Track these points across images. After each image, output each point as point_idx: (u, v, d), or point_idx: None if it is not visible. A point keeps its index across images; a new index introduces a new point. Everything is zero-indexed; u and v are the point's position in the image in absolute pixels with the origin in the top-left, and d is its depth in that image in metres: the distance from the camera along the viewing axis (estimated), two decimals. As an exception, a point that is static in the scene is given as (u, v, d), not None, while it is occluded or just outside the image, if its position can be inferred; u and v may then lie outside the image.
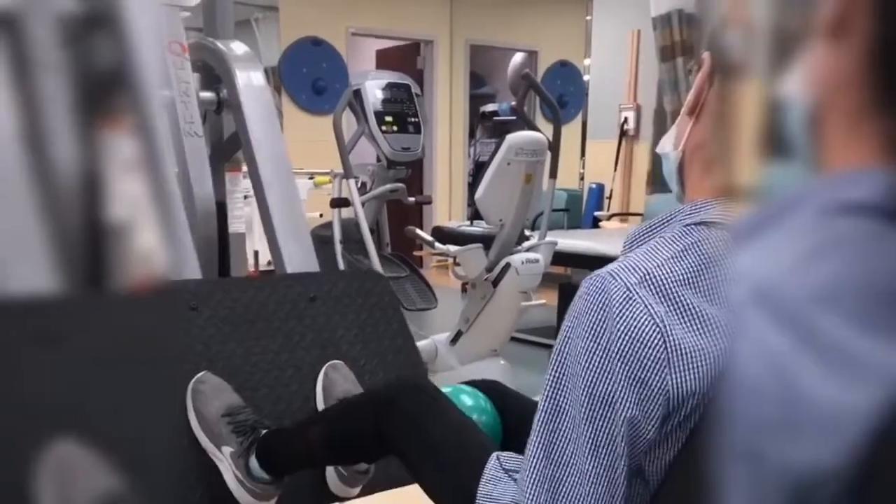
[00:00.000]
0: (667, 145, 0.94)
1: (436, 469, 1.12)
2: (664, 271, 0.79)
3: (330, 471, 1.48)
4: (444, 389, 1.34)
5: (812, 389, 0.36)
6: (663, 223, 0.87)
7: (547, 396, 0.82)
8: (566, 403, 0.80)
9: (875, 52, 0.39)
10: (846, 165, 0.41)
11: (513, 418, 1.33)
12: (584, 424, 0.78)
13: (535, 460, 0.81)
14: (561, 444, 0.80)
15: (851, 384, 0.35)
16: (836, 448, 0.35)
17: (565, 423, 0.80)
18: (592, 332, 0.78)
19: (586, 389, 0.78)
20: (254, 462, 1.36)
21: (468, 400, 1.34)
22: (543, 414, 0.82)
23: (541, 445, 0.81)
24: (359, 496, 1.53)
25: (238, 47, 2.09)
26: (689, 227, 0.83)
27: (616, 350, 0.77)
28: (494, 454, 1.03)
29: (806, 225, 0.40)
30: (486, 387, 1.41)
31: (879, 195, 0.38)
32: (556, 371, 0.81)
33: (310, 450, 1.34)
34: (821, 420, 0.35)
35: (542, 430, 0.81)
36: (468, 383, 1.43)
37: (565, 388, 0.80)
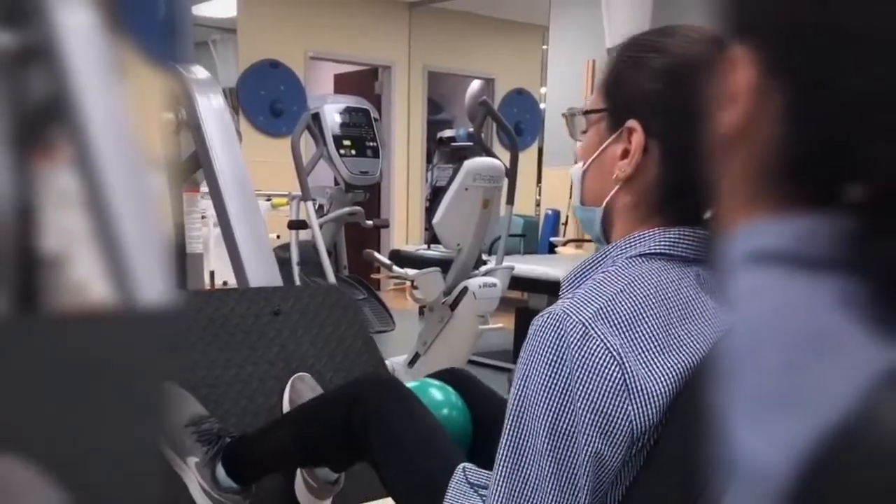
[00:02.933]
0: (580, 199, 0.95)
1: (403, 476, 1.11)
2: (616, 304, 0.79)
3: (299, 482, 1.44)
4: (413, 384, 1.33)
5: (739, 443, 0.37)
6: (600, 260, 0.88)
7: (508, 437, 0.81)
8: (528, 443, 0.80)
9: (781, 150, 0.40)
10: (750, 221, 0.42)
11: (482, 410, 1.32)
12: (547, 462, 0.78)
13: (498, 498, 0.81)
14: (523, 481, 0.80)
15: (771, 438, 0.35)
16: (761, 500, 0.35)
17: (527, 462, 0.79)
18: (550, 370, 0.78)
19: (548, 427, 0.78)
20: (220, 471, 1.33)
21: (437, 394, 1.32)
22: (505, 454, 0.81)
23: (504, 484, 0.81)
24: None
25: (198, 70, 2.09)
26: (631, 259, 0.84)
27: (576, 385, 0.77)
28: (461, 466, 1.03)
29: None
30: (455, 378, 1.39)
31: (784, 242, 0.40)
32: (516, 411, 0.81)
33: (278, 452, 1.32)
34: (745, 474, 0.36)
35: (504, 470, 0.81)
36: (436, 375, 1.42)
37: (526, 428, 0.80)
